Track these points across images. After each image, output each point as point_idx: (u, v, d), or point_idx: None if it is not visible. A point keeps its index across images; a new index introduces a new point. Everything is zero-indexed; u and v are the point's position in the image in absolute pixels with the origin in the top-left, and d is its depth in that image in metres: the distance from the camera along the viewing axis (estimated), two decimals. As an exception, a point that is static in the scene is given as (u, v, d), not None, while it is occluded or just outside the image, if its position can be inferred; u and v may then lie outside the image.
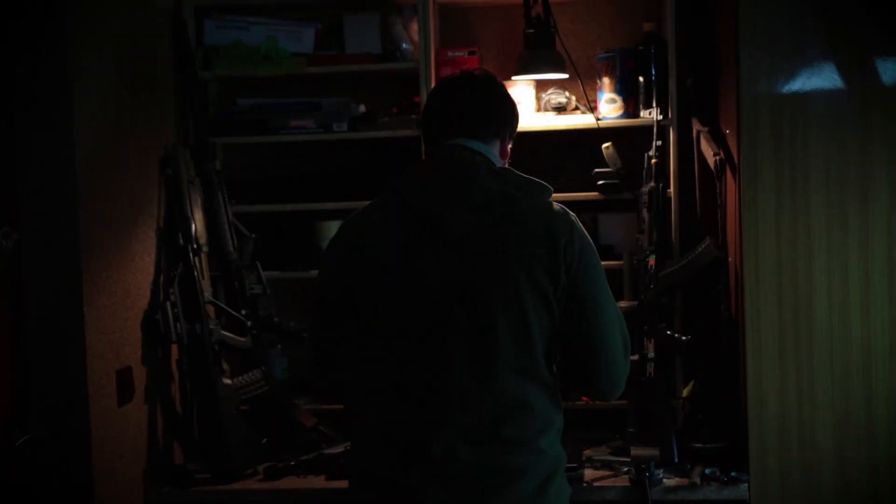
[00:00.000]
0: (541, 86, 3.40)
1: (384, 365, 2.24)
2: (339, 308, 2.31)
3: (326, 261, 2.41)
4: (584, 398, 3.29)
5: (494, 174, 2.25)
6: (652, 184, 3.12)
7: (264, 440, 3.12)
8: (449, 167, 2.26)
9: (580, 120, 3.33)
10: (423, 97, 3.27)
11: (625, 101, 3.28)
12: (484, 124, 2.34)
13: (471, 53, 3.37)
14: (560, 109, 3.36)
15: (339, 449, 3.06)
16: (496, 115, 2.37)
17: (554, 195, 3.28)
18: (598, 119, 3.29)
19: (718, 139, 3.07)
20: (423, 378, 2.20)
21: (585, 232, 2.29)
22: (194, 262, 3.07)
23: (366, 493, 2.28)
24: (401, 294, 2.22)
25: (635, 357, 2.98)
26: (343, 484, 2.84)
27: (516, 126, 2.44)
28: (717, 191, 3.03)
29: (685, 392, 3.15)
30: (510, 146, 2.43)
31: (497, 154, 2.37)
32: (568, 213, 2.28)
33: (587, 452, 3.04)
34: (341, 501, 2.41)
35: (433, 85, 3.28)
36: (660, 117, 3.18)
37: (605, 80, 3.30)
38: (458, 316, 2.19)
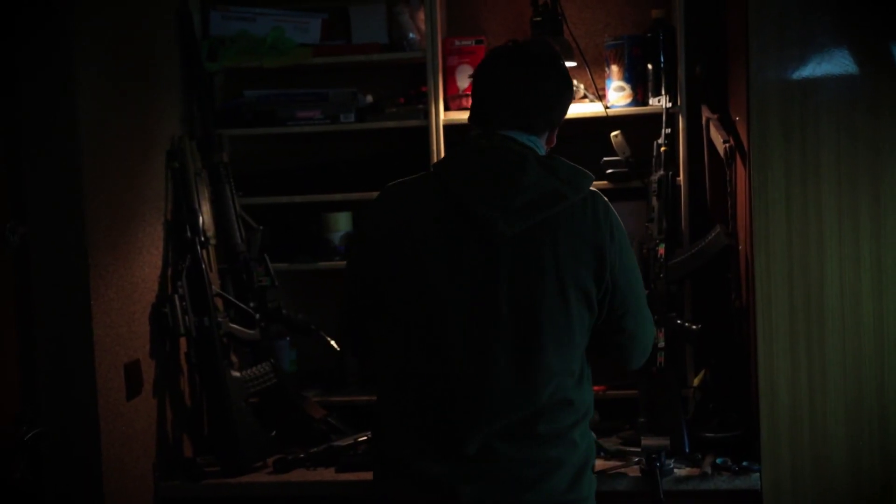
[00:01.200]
0: (549, 74, 3.37)
1: (421, 357, 2.23)
2: (373, 295, 2.29)
3: (360, 243, 2.35)
4: (594, 387, 3.28)
5: (544, 167, 2.21)
6: (661, 172, 3.09)
7: (273, 433, 3.12)
8: (498, 160, 2.21)
9: (589, 108, 3.31)
10: (431, 86, 3.25)
11: (633, 88, 3.26)
12: (541, 118, 2.29)
13: (478, 42, 3.35)
14: (568, 98, 3.34)
15: (349, 441, 3.05)
16: (553, 107, 2.31)
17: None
18: (606, 107, 3.27)
19: (728, 126, 3.05)
20: (462, 374, 2.19)
21: (617, 216, 2.29)
22: (202, 254, 3.07)
23: (393, 481, 2.27)
24: (442, 288, 2.20)
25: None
26: (353, 476, 2.88)
27: (567, 110, 2.40)
28: (727, 178, 3.01)
29: (696, 381, 3.14)
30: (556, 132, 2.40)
31: (544, 144, 2.34)
32: (606, 203, 2.27)
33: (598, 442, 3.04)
34: (362, 493, 2.40)
35: (440, 74, 3.27)
36: (669, 105, 3.16)
37: (614, 68, 3.28)
38: (501, 315, 2.17)
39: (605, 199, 2.29)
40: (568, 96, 2.36)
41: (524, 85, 2.27)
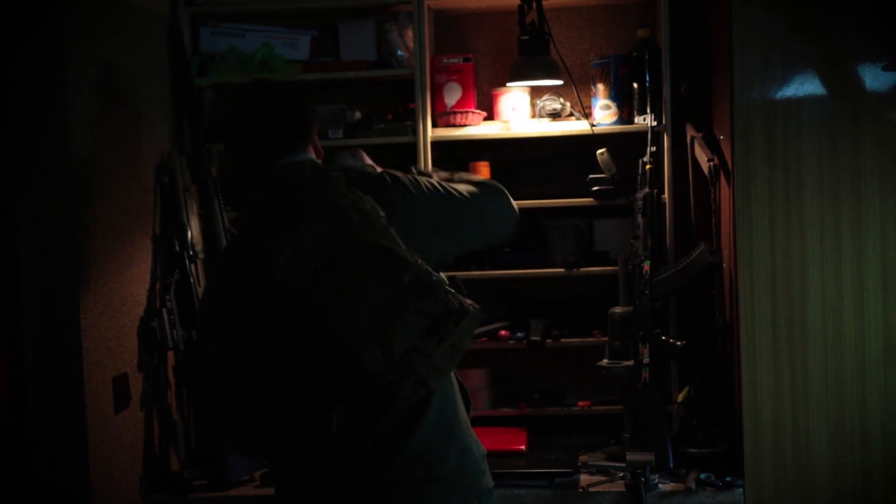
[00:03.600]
0: (535, 92, 3.41)
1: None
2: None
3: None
4: (580, 403, 3.31)
5: (333, 205, 2.11)
6: (646, 189, 3.12)
7: (261, 446, 3.12)
8: (284, 196, 2.16)
9: (575, 126, 3.34)
10: (419, 103, 3.28)
11: (619, 107, 3.30)
12: (302, 135, 2.26)
13: (465, 60, 3.38)
14: (555, 116, 3.37)
15: (336, 455, 3.06)
16: (308, 123, 2.28)
17: (549, 201, 3.31)
18: (592, 125, 3.30)
19: (712, 145, 3.08)
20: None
21: (391, 173, 2.24)
22: (190, 269, 3.08)
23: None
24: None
25: (630, 363, 3.00)
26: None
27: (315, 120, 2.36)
28: (712, 196, 3.04)
29: (680, 397, 3.15)
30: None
31: (315, 155, 2.31)
32: (370, 172, 2.24)
33: (583, 458, 3.05)
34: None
35: (428, 91, 3.30)
36: (654, 123, 3.19)
37: (600, 87, 3.32)
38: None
39: (376, 170, 2.26)
40: (310, 108, 2.32)
41: (271, 110, 2.25)
